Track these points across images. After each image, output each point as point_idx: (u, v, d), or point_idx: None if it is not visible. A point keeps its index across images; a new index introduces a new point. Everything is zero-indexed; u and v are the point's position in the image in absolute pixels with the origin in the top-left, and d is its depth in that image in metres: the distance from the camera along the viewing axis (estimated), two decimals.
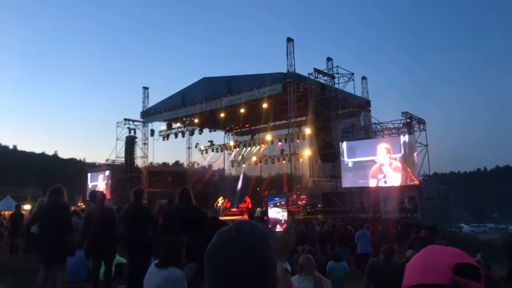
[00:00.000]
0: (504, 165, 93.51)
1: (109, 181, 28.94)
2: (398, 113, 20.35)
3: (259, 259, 0.93)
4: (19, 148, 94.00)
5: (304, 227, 13.92)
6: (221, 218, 17.82)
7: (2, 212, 18.05)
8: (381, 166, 19.74)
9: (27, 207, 24.24)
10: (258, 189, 27.59)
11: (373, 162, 19.95)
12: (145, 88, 30.53)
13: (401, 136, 19.51)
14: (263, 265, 0.93)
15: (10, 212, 14.46)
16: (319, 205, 22.23)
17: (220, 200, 24.68)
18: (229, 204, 25.40)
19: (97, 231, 6.03)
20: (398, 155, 19.18)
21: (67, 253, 5.80)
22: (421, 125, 20.52)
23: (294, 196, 22.51)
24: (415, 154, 19.03)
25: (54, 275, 5.81)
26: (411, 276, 0.92)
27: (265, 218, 12.63)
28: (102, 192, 7.52)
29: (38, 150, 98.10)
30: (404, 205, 19.23)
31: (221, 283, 0.92)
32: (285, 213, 5.03)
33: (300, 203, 22.25)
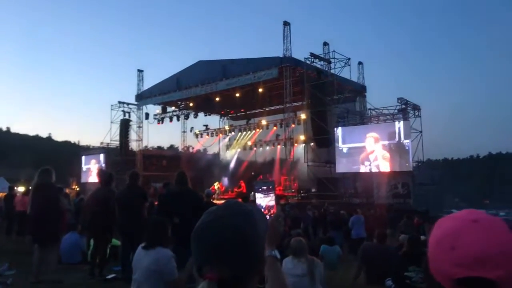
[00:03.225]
0: (496, 152, 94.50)
1: (104, 164, 28.89)
2: (393, 99, 20.35)
3: (246, 237, 0.94)
4: (13, 130, 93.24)
5: (298, 211, 14.07)
6: (216, 201, 17.95)
7: None
8: (370, 154, 19.86)
9: (21, 189, 24.18)
10: (253, 173, 27.65)
11: (366, 147, 20.06)
12: (140, 71, 30.24)
13: (396, 122, 19.56)
14: (250, 242, 0.94)
15: (4, 194, 14.44)
16: (313, 190, 22.37)
17: (216, 185, 24.75)
18: (223, 188, 25.49)
19: (99, 211, 6.04)
20: (392, 142, 19.26)
21: (58, 233, 5.83)
22: (416, 111, 20.56)
23: (287, 182, 22.63)
24: (409, 140, 19.12)
25: (47, 256, 5.86)
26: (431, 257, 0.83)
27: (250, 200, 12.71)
28: (109, 172, 7.48)
29: (32, 133, 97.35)
30: (397, 190, 19.41)
31: (208, 260, 0.92)
32: (272, 200, 5.08)
33: (293, 188, 22.40)
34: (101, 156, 29.29)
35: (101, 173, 7.27)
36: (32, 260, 5.79)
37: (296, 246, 4.27)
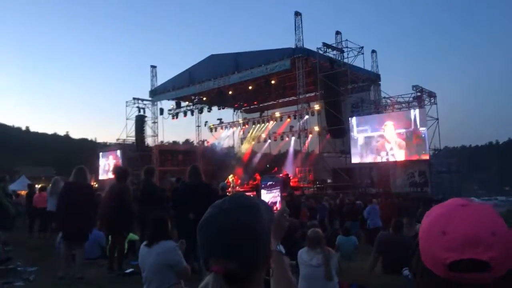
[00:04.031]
0: None
1: (120, 161, 29.26)
2: (408, 87, 20.05)
3: (252, 230, 0.94)
4: (32, 129, 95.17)
5: (314, 202, 14.04)
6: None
7: (19, 192, 18.41)
8: (387, 142, 19.65)
9: (39, 186, 24.68)
10: (267, 165, 27.68)
11: (382, 137, 19.85)
12: (153, 67, 30.43)
13: (411, 110, 19.29)
14: (256, 235, 0.94)
15: (26, 192, 14.75)
16: (328, 181, 22.29)
17: (231, 178, 24.86)
18: (239, 181, 25.58)
19: (115, 207, 6.14)
20: (408, 130, 19.02)
21: (89, 231, 5.97)
22: (432, 98, 20.25)
23: (302, 174, 22.58)
24: (425, 128, 18.84)
25: (75, 253, 5.99)
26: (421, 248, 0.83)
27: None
28: (124, 168, 7.57)
29: (50, 131, 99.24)
30: (414, 179, 19.20)
31: (214, 253, 0.93)
32: (276, 197, 5.10)
33: (309, 179, 22.37)
34: (118, 152, 29.68)
35: (116, 169, 7.34)
36: (60, 257, 5.92)
37: (312, 236, 4.28)
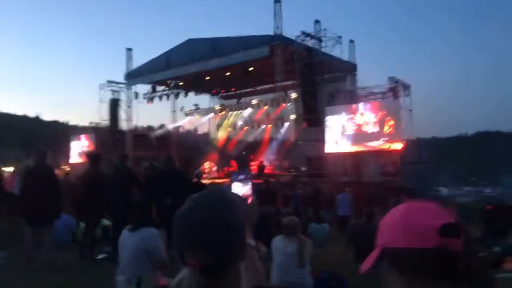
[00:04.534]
0: (484, 130, 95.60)
1: (94, 144, 28.68)
2: (384, 77, 20.37)
3: (228, 223, 0.94)
4: (0, 110, 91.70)
5: (289, 190, 14.20)
6: (207, 181, 18.03)
7: None
8: (361, 132, 20.01)
9: (9, 169, 23.97)
10: (243, 152, 27.71)
11: (356, 127, 20.18)
12: (129, 50, 29.74)
13: (386, 101, 19.62)
14: (232, 228, 0.95)
15: None
16: (303, 169, 22.55)
17: (207, 164, 24.79)
18: (215, 167, 25.54)
19: (88, 193, 6.04)
20: (383, 120, 19.37)
21: (55, 215, 5.84)
22: (406, 90, 20.63)
23: (277, 161, 22.75)
24: (399, 119, 19.23)
25: (41, 237, 5.87)
26: (391, 238, 0.88)
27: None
28: (97, 153, 7.45)
29: (19, 112, 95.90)
30: (387, 169, 19.62)
31: (189, 247, 0.93)
32: (249, 188, 5.19)
33: (284, 166, 22.57)
34: (90, 135, 29.05)
35: (89, 154, 7.22)
36: (25, 242, 5.80)
37: (288, 224, 4.33)
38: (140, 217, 3.52)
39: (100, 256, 6.25)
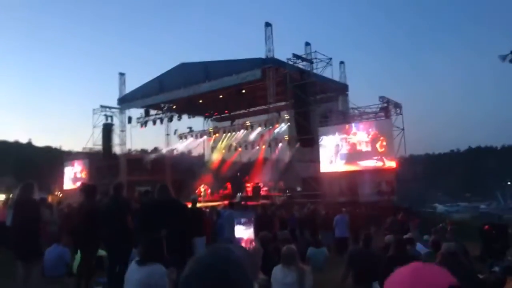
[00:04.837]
0: (476, 145, 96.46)
1: (87, 169, 28.49)
2: (375, 98, 20.60)
3: (236, 284, 0.94)
4: None
5: (285, 212, 14.11)
6: (203, 204, 17.90)
7: None
8: (355, 152, 20.13)
9: (0, 197, 23.67)
10: (238, 174, 27.66)
11: (349, 146, 20.30)
12: (122, 74, 29.90)
13: (378, 121, 19.82)
14: None
15: None
16: (298, 189, 22.50)
17: (202, 188, 24.67)
18: (209, 190, 25.42)
19: (84, 226, 5.98)
20: (375, 139, 19.52)
21: (37, 246, 5.72)
22: (397, 109, 20.86)
23: (272, 183, 22.72)
24: (391, 138, 19.39)
25: (29, 271, 5.76)
26: None
27: (242, 203, 12.68)
28: (92, 185, 7.41)
29: (11, 138, 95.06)
30: (381, 187, 19.66)
31: None
32: (251, 231, 5.21)
33: (279, 187, 22.53)
34: (84, 161, 28.89)
35: (84, 187, 7.16)
36: (16, 277, 5.68)
37: (286, 254, 4.29)
38: (150, 252, 3.50)
39: None
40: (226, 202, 16.52)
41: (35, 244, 5.62)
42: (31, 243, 5.52)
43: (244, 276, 0.96)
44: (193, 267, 0.96)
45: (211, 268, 0.94)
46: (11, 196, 9.11)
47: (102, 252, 7.24)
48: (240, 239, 5.87)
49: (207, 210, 12.99)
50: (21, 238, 5.54)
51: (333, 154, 20.80)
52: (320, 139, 21.03)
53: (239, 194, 23.65)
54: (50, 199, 17.06)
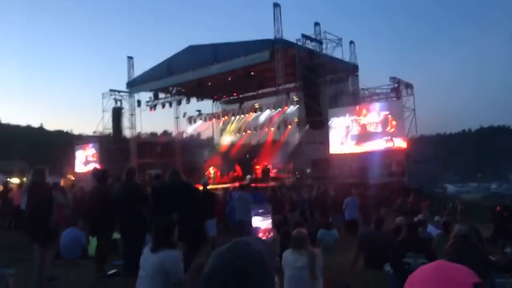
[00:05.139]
0: (488, 125, 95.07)
1: (98, 153, 28.78)
2: (386, 78, 20.37)
3: (256, 282, 0.94)
4: (3, 121, 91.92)
5: (294, 195, 14.16)
6: (213, 187, 18.03)
7: None
8: (365, 133, 19.98)
9: (14, 180, 24.06)
10: (247, 156, 27.70)
11: (360, 128, 20.15)
12: (130, 58, 29.84)
13: (389, 101, 19.61)
14: (262, 286, 0.95)
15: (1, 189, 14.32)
16: (308, 171, 22.51)
17: (212, 170, 24.80)
18: (219, 172, 25.56)
19: (98, 210, 6.07)
20: (386, 120, 19.34)
21: (52, 229, 5.83)
22: (408, 89, 20.61)
23: (281, 164, 22.74)
24: (402, 119, 19.20)
25: (45, 253, 5.90)
26: None
27: (252, 185, 12.74)
28: (104, 169, 7.51)
29: (23, 123, 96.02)
30: (392, 169, 19.58)
31: None
32: (269, 222, 5.31)
33: (288, 169, 22.58)
34: (95, 144, 29.17)
35: (96, 172, 7.25)
36: (33, 259, 5.82)
37: (297, 237, 4.31)
38: (162, 238, 3.55)
39: (110, 272, 6.26)
40: (236, 184, 16.60)
41: (49, 227, 5.73)
42: (45, 226, 5.63)
43: (265, 271, 0.96)
44: (214, 262, 0.97)
45: (232, 265, 0.94)
46: (24, 179, 9.29)
47: (117, 235, 7.38)
48: (257, 228, 5.93)
49: (218, 192, 13.09)
50: (35, 221, 5.66)
51: (344, 135, 20.68)
52: (330, 121, 20.88)
53: (248, 176, 23.74)
54: (62, 182, 17.29)
